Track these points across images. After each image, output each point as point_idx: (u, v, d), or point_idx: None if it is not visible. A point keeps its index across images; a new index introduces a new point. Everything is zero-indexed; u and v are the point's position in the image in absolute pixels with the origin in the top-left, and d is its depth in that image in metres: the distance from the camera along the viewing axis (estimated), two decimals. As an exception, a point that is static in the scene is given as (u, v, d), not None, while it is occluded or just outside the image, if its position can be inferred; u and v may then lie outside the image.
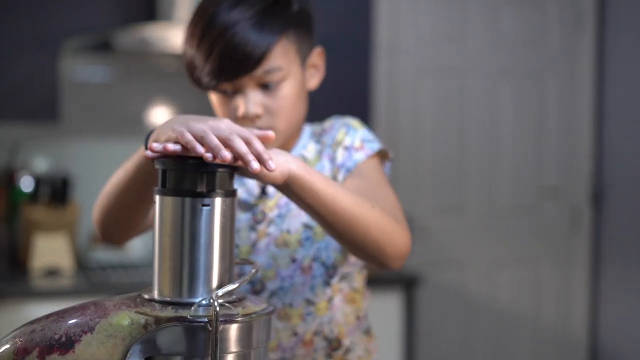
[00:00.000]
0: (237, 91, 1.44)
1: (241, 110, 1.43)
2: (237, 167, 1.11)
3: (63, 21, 3.60)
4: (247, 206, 1.52)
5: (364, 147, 1.51)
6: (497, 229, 4.16)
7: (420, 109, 4.04)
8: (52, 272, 3.24)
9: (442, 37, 4.06)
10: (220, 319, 1.02)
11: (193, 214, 1.06)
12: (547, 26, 4.20)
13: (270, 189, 1.52)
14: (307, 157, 1.54)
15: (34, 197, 3.42)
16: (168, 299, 1.06)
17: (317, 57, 1.55)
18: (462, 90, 4.10)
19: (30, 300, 3.07)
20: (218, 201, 1.07)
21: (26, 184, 3.47)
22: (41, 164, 3.58)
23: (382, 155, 1.55)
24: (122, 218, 1.41)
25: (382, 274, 3.48)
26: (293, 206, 1.49)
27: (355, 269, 1.56)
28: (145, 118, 3.77)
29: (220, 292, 1.02)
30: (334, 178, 1.50)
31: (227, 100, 1.45)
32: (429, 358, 4.04)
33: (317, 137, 1.57)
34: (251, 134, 1.12)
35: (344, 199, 1.26)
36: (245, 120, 1.44)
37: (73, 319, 1.02)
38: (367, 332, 1.61)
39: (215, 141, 1.08)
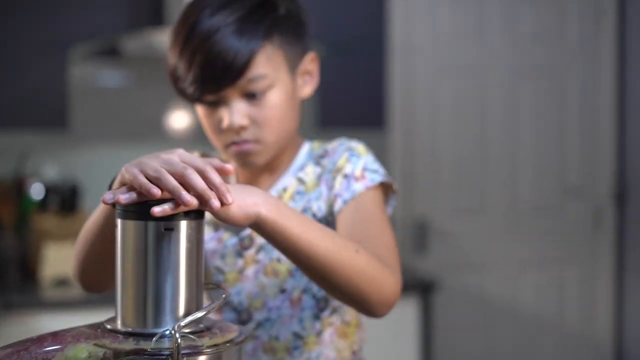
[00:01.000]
0: (222, 102, 1.37)
1: (225, 122, 1.37)
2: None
3: (71, 28, 3.57)
4: (234, 230, 1.44)
5: (365, 178, 1.39)
6: (519, 230, 4.08)
7: (437, 109, 3.97)
8: (62, 282, 3.20)
9: (460, 35, 3.98)
10: (184, 351, 0.95)
11: (156, 238, 1.00)
12: (567, 22, 4.11)
13: None
14: (304, 180, 1.44)
15: (43, 205, 3.38)
16: (131, 329, 1.00)
17: (309, 63, 1.46)
18: (481, 89, 4.02)
19: (41, 311, 3.03)
20: (183, 224, 1.00)
21: (36, 192, 3.43)
22: (51, 172, 3.54)
23: (385, 188, 1.44)
24: (99, 267, 1.30)
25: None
26: None
27: None
28: (155, 124, 3.73)
29: (183, 323, 0.96)
30: (330, 206, 1.40)
31: (212, 112, 1.39)
32: (449, 364, 3.97)
33: (317, 159, 1.47)
34: (207, 165, 1.02)
35: (322, 243, 1.15)
36: (230, 132, 1.38)
37: (29, 353, 0.96)
38: None
39: (172, 182, 0.98)
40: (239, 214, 1.07)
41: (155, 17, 3.59)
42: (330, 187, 1.41)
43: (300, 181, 1.44)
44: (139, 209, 0.99)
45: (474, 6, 3.99)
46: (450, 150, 3.98)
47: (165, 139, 3.72)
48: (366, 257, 1.20)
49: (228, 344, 1.00)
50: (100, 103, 3.67)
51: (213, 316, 1.40)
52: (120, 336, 0.98)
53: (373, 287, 1.20)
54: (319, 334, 1.43)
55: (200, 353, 0.97)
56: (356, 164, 1.41)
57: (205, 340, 0.98)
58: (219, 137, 1.40)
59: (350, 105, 3.94)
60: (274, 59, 1.37)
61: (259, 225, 1.10)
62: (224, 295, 1.03)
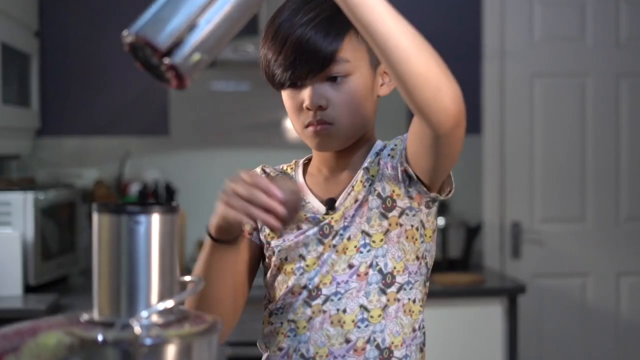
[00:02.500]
0: (305, 84, 1.48)
1: (306, 102, 1.47)
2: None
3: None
4: (315, 221, 1.53)
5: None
6: (617, 239, 3.95)
7: (532, 115, 3.90)
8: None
9: (555, 39, 3.90)
10: (148, 341, 0.99)
11: (129, 232, 1.04)
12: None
13: (337, 203, 1.52)
14: (369, 168, 1.53)
15: (141, 207, 3.51)
16: (105, 319, 1.04)
17: None
18: (579, 93, 3.92)
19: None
20: (156, 218, 1.04)
21: (136, 194, 3.57)
22: (150, 175, 3.68)
23: None
24: (212, 310, 1.46)
25: (484, 286, 3.38)
26: (356, 215, 1.49)
27: (418, 280, 1.53)
28: (249, 129, 3.81)
29: (144, 313, 1.00)
30: (394, 180, 1.50)
31: (295, 94, 1.50)
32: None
33: (379, 152, 1.56)
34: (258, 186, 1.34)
35: (393, 23, 1.29)
36: (309, 113, 1.49)
37: (5, 339, 1.01)
38: (421, 349, 1.56)
39: (256, 212, 1.33)
40: None
41: (250, 26, 3.66)
42: (389, 164, 1.50)
43: (367, 170, 1.52)
44: (112, 203, 1.04)
45: (570, 9, 3.90)
46: (545, 157, 3.90)
47: (259, 144, 3.80)
48: (442, 63, 1.32)
49: (194, 335, 1.02)
50: (198, 110, 3.78)
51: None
52: (92, 325, 1.03)
53: (445, 81, 1.30)
54: (384, 308, 1.49)
55: (165, 342, 1.00)
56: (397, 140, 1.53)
57: (171, 331, 1.01)
58: (299, 117, 1.51)
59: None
60: (357, 48, 1.48)
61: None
62: (197, 285, 1.06)
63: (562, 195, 3.92)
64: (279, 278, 1.55)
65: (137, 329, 0.97)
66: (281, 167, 1.64)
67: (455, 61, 3.88)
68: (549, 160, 3.91)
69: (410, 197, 1.48)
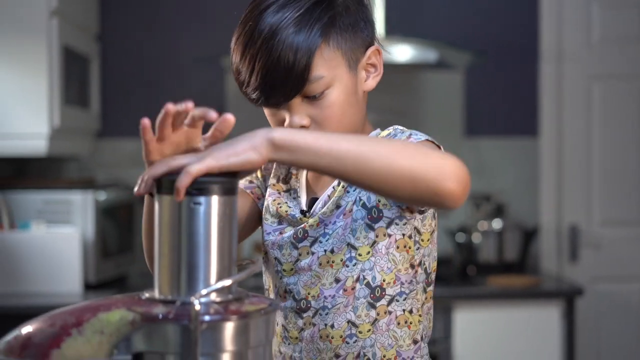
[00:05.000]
0: (282, 105, 1.41)
1: (286, 123, 1.40)
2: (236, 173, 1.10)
3: (224, 39, 3.73)
4: (293, 221, 1.47)
5: (411, 138, 1.40)
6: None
7: (590, 117, 3.86)
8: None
9: (613, 40, 3.86)
10: (207, 317, 1.01)
11: (188, 213, 1.06)
12: None
13: (317, 207, 1.46)
14: None
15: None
16: (165, 297, 1.06)
17: (373, 56, 1.45)
18: (639, 95, 3.87)
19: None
20: (215, 199, 1.06)
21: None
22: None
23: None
24: None
25: (541, 288, 3.35)
26: (338, 224, 1.42)
27: (415, 289, 1.45)
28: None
29: (204, 291, 1.02)
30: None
31: (275, 111, 1.43)
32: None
33: None
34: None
35: (343, 142, 1.16)
36: None
37: (68, 315, 1.04)
38: None
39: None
40: (255, 151, 1.13)
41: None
42: None
43: None
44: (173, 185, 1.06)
45: (628, 10, 3.86)
46: (603, 159, 3.86)
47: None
48: (404, 144, 1.23)
49: (252, 313, 1.04)
50: (255, 111, 3.81)
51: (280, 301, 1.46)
52: (153, 303, 1.05)
53: (431, 166, 1.18)
54: (373, 322, 1.43)
55: (224, 319, 1.02)
56: (403, 134, 1.43)
57: (230, 309, 1.03)
58: None
59: (501, 113, 3.90)
60: (330, 58, 1.38)
61: (278, 147, 1.14)
62: (251, 267, 1.08)
63: (620, 198, 3.87)
64: (267, 272, 1.51)
65: (197, 306, 0.99)
66: None
67: (513, 63, 3.91)
68: (607, 163, 3.86)
69: (399, 207, 1.40)
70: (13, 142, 3.13)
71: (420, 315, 1.46)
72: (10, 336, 1.05)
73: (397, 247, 1.41)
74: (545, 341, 3.26)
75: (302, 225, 1.44)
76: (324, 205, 1.44)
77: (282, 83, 1.36)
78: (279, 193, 1.50)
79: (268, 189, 1.52)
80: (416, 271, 1.44)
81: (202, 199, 1.06)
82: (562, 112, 3.86)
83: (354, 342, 1.43)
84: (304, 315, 1.44)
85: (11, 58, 3.14)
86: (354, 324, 1.42)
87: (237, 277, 1.05)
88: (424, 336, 1.47)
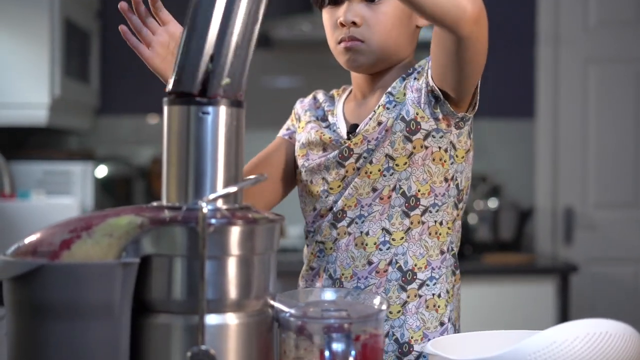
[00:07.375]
0: (344, 1, 1.53)
1: (340, 18, 1.52)
2: None
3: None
4: (337, 145, 1.55)
5: None
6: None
7: (586, 99, 3.89)
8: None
9: (610, 24, 3.89)
10: (214, 221, 1.03)
11: (197, 122, 1.08)
12: None
13: (359, 127, 1.54)
14: (393, 93, 1.53)
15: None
16: (172, 204, 1.08)
17: None
18: (635, 79, 3.91)
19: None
20: (222, 110, 1.08)
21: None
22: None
23: None
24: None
25: (536, 265, 3.38)
26: (379, 139, 1.50)
27: (447, 202, 1.53)
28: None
29: (212, 196, 1.04)
30: (418, 103, 1.50)
31: (334, 11, 1.55)
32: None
33: (406, 76, 1.56)
34: None
35: None
36: (343, 29, 1.52)
37: (78, 221, 1.06)
38: (453, 272, 1.58)
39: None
40: None
41: (305, 4, 3.71)
42: (414, 87, 1.51)
43: (390, 94, 1.53)
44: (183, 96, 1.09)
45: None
46: (599, 142, 3.89)
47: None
48: None
49: (258, 220, 1.06)
50: (253, 90, 3.83)
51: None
52: (161, 209, 1.07)
53: None
54: (407, 230, 1.50)
55: (230, 223, 1.04)
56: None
57: (240, 214, 1.06)
58: (334, 34, 1.55)
59: (498, 95, 3.92)
60: None
61: None
62: (258, 177, 1.10)
63: (615, 180, 3.90)
64: (307, 200, 1.59)
65: (204, 209, 1.01)
66: (331, 92, 1.68)
67: (510, 46, 3.93)
68: (602, 146, 3.89)
69: (437, 119, 1.48)
70: (14, 111, 3.15)
71: (449, 229, 1.54)
72: (19, 242, 1.07)
73: (433, 160, 1.49)
74: (540, 317, 3.29)
75: (347, 144, 1.52)
76: (365, 125, 1.52)
77: None
78: (319, 126, 1.59)
79: (307, 125, 1.61)
80: (449, 185, 1.51)
81: (210, 109, 1.08)
82: (558, 95, 3.89)
83: (387, 249, 1.51)
84: (339, 225, 1.53)
85: (13, 29, 3.16)
86: (387, 231, 1.51)
87: (244, 184, 1.07)
88: (450, 248, 1.55)
